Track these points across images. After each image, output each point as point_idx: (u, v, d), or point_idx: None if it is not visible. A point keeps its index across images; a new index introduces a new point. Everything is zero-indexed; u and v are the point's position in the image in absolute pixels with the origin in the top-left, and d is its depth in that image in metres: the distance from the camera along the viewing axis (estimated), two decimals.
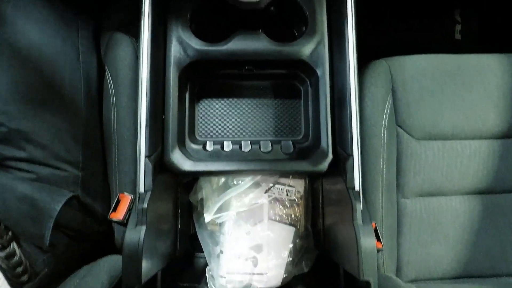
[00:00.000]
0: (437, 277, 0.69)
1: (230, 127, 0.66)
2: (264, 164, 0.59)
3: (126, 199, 0.61)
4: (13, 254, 0.47)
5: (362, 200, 0.53)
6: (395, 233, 0.69)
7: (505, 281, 0.69)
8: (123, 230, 0.63)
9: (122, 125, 0.63)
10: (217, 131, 0.66)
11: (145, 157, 0.53)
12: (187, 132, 0.62)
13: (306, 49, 0.59)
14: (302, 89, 0.67)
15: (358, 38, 0.57)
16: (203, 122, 0.65)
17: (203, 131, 0.65)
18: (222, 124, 0.66)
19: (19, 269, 0.47)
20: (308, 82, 0.64)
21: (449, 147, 0.69)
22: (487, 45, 1.07)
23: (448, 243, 0.69)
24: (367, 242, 0.48)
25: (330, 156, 0.58)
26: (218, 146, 0.62)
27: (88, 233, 0.59)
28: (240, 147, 0.62)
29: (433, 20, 1.09)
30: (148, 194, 0.51)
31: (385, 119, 0.65)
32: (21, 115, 0.52)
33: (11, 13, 0.54)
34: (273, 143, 0.63)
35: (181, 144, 0.60)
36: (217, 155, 0.62)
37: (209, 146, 0.62)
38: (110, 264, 0.58)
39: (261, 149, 0.62)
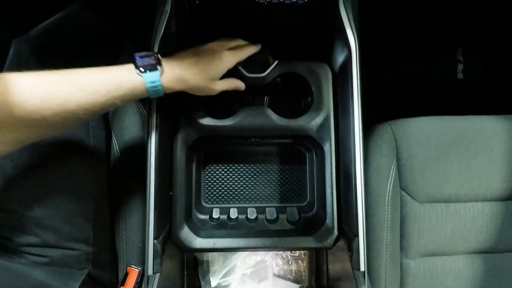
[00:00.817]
0: None
1: (236, 192, 0.67)
2: (270, 241, 0.59)
3: (134, 272, 0.61)
4: None
5: (367, 280, 0.54)
6: None
7: None
8: None
9: (129, 196, 0.64)
10: (223, 197, 0.67)
11: (154, 239, 0.53)
12: (193, 201, 0.63)
13: (312, 124, 0.60)
14: (307, 155, 0.67)
15: (364, 109, 0.57)
16: (210, 189, 0.66)
17: (209, 197, 0.66)
18: (228, 190, 0.67)
19: None
20: (314, 152, 0.64)
21: (452, 209, 0.70)
22: (490, 85, 1.08)
23: None
24: None
25: (336, 233, 0.59)
26: (225, 216, 0.63)
27: None
28: (246, 215, 0.63)
29: (435, 60, 1.10)
30: (157, 276, 0.51)
31: (390, 187, 0.66)
32: (31, 201, 0.53)
33: None
34: (278, 210, 0.64)
35: (188, 217, 0.61)
36: (224, 226, 0.62)
37: (215, 214, 0.63)
38: None
39: (267, 217, 0.63)
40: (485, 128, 0.70)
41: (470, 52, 1.11)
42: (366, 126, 0.60)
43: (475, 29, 1.09)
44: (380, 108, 0.79)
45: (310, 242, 0.59)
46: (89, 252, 0.58)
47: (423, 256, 0.70)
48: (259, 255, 0.73)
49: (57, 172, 0.55)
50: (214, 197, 0.66)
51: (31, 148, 0.54)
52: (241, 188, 0.67)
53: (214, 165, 0.67)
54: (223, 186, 0.67)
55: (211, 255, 0.72)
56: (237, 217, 0.63)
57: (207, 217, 0.63)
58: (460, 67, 1.10)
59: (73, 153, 0.57)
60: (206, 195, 0.66)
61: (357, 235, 0.54)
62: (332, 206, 0.59)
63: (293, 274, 0.77)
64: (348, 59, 0.56)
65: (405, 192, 0.69)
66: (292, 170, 0.68)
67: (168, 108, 0.58)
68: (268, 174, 0.68)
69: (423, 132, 0.69)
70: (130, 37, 0.88)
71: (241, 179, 0.67)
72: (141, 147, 0.65)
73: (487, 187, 0.69)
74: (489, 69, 1.10)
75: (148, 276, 0.52)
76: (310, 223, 0.62)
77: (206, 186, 0.66)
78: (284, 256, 0.76)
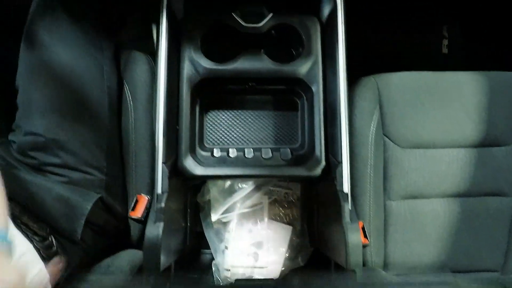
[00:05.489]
0: (419, 272, 0.77)
1: (235, 136, 0.74)
2: (265, 170, 0.67)
3: (143, 199, 0.69)
4: (51, 245, 0.55)
5: (350, 201, 0.61)
6: (382, 233, 0.76)
7: (480, 275, 0.77)
8: (139, 227, 0.71)
9: (139, 135, 0.71)
10: (223, 140, 0.74)
11: (162, 163, 0.61)
12: (197, 140, 0.70)
13: (302, 68, 0.67)
14: (299, 103, 0.75)
15: (348, 57, 0.65)
16: (211, 132, 0.74)
17: (211, 140, 0.73)
18: (228, 133, 0.74)
19: (56, 259, 0.55)
20: (304, 97, 0.72)
21: (430, 154, 0.77)
22: (473, 60, 1.15)
23: (429, 241, 0.76)
24: (354, 237, 0.56)
25: (323, 162, 0.66)
26: (225, 153, 0.70)
27: (109, 229, 0.67)
28: (244, 154, 0.70)
29: (421, 34, 1.17)
30: (165, 195, 0.59)
31: (373, 129, 0.73)
32: (56, 127, 0.60)
33: (46, 38, 0.62)
34: (273, 150, 0.71)
35: (192, 151, 0.68)
36: (224, 161, 0.70)
37: (216, 153, 0.70)
38: (130, 256, 0.66)
39: (263, 155, 0.70)
40: (458, 81, 0.78)
41: (454, 29, 1.18)
42: (351, 80, 0.67)
43: (458, 6, 1.16)
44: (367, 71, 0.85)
45: (300, 171, 0.66)
46: (103, 179, 0.66)
47: (404, 199, 0.77)
48: (255, 197, 0.80)
49: (77, 103, 0.63)
50: (215, 139, 0.74)
51: (53, 81, 0.61)
52: (240, 132, 0.74)
53: (216, 111, 0.74)
54: (223, 130, 0.74)
55: (212, 195, 0.79)
56: (236, 155, 0.70)
57: (208, 154, 0.70)
58: (445, 42, 1.18)
59: (91, 89, 0.65)
60: (208, 137, 0.73)
61: (341, 162, 0.62)
62: (320, 140, 0.66)
63: (287, 218, 0.85)
64: (334, 9, 0.64)
65: (387, 137, 0.76)
66: (286, 117, 0.75)
67: (174, 51, 0.66)
68: (264, 120, 0.75)
69: (403, 83, 0.77)
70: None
71: (240, 124, 0.75)
72: (151, 93, 0.73)
73: (460, 133, 0.76)
74: (472, 45, 1.17)
75: (157, 194, 0.60)
76: (301, 158, 0.70)
77: (209, 129, 0.74)
78: (278, 200, 0.83)
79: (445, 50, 1.17)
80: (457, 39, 1.18)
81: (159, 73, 0.62)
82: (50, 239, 0.55)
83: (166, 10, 0.64)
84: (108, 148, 0.67)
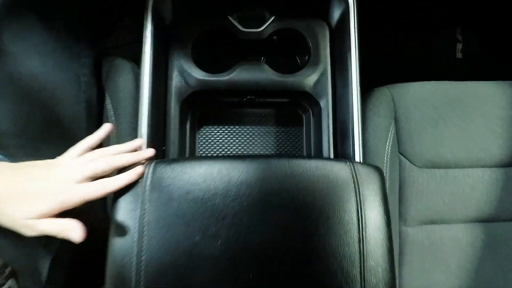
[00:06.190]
0: None
1: (230, 154, 0.66)
2: None
3: None
4: None
5: None
6: (397, 263, 0.68)
7: None
8: None
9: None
10: None
11: None
12: None
13: (309, 80, 0.59)
14: (304, 117, 0.66)
15: (361, 66, 0.57)
16: (204, 150, 0.65)
17: None
18: (224, 152, 0.66)
19: None
20: (311, 112, 0.63)
21: (451, 175, 0.69)
22: (489, 65, 1.07)
23: (450, 271, 0.69)
24: None
25: None
26: None
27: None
28: None
29: (434, 39, 1.09)
30: None
31: (388, 148, 0.65)
32: (20, 150, 0.52)
33: (11, 45, 0.54)
34: None
35: None
36: None
37: None
38: None
39: None
40: (481, 93, 0.69)
41: (469, 32, 1.10)
42: (363, 90, 0.59)
43: (473, 8, 1.08)
44: (380, 79, 0.78)
45: None
46: None
47: (422, 224, 0.69)
48: None
49: (48, 121, 0.54)
50: None
51: (20, 96, 0.52)
52: (237, 150, 0.66)
53: (210, 126, 0.66)
54: (218, 147, 0.66)
55: None
56: None
57: None
58: (459, 46, 1.10)
59: (65, 104, 0.56)
60: (201, 155, 0.65)
61: None
62: None
63: None
64: (346, 13, 0.56)
65: (403, 156, 0.68)
66: (289, 133, 0.67)
67: (162, 59, 0.57)
68: (264, 136, 0.66)
69: (420, 95, 0.68)
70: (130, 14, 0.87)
71: (237, 141, 0.66)
72: (136, 106, 0.64)
73: (486, 152, 0.68)
74: (487, 49, 1.09)
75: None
76: None
77: (201, 147, 0.65)
78: None
79: (459, 55, 1.09)
80: (472, 43, 1.09)
81: (143, 85, 0.54)
82: (9, 283, 0.46)
83: (152, 12, 0.55)
84: None
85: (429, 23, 1.08)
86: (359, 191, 0.43)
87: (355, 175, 0.43)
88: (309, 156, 0.55)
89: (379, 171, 0.46)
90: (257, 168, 0.42)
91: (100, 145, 0.64)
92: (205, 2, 0.61)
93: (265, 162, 0.43)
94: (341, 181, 0.42)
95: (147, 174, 0.42)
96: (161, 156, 0.57)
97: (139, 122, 0.53)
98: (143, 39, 0.55)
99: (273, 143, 0.66)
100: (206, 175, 0.41)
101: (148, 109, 0.53)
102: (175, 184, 0.41)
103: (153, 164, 0.43)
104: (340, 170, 0.43)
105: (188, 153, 0.62)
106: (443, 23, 1.09)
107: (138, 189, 0.41)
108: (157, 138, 0.56)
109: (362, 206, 0.42)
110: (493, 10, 1.07)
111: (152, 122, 0.54)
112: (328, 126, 0.59)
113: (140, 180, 0.42)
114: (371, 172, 0.45)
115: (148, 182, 0.41)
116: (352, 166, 0.44)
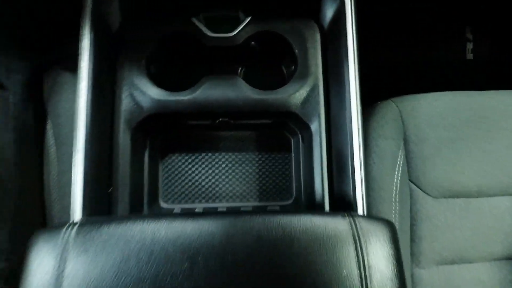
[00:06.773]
0: None
1: (203, 189, 0.54)
2: None
3: None
4: None
5: None
6: None
7: None
8: None
9: (66, 194, 0.50)
10: (186, 194, 0.53)
11: None
12: (146, 200, 0.49)
13: (295, 97, 0.47)
14: (292, 140, 0.54)
15: (361, 78, 0.44)
16: (169, 185, 0.53)
17: (169, 196, 0.53)
18: (194, 186, 0.54)
19: None
20: (300, 135, 0.51)
21: (473, 206, 0.58)
22: (500, 66, 0.95)
23: None
24: None
25: None
26: None
27: None
28: None
29: (443, 38, 0.97)
30: None
31: (397, 178, 0.53)
32: None
33: None
34: (257, 209, 0.51)
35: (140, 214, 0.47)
36: None
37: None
38: None
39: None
40: (506, 104, 0.57)
41: (480, 31, 0.99)
42: (365, 102, 0.47)
43: (483, 6, 0.97)
44: (382, 90, 0.66)
45: None
46: (4, 269, 0.44)
47: (438, 265, 0.61)
48: None
49: None
50: (176, 196, 0.53)
51: None
52: (210, 183, 0.54)
53: (175, 155, 0.54)
54: (186, 181, 0.53)
55: None
56: None
57: None
58: (470, 46, 0.98)
59: None
60: (165, 193, 0.53)
61: None
62: (323, 195, 0.46)
63: None
64: (341, 11, 0.43)
65: (415, 185, 0.56)
66: (274, 160, 0.54)
67: (107, 76, 0.44)
68: (244, 165, 0.54)
69: (434, 110, 0.56)
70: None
71: (210, 172, 0.54)
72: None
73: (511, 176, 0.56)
74: (498, 49, 0.97)
75: None
76: None
77: (166, 182, 0.53)
78: None
79: (469, 56, 0.97)
80: (483, 42, 0.97)
81: (78, 111, 0.41)
82: None
83: (92, 16, 0.42)
84: (14, 222, 0.45)
85: (435, 23, 0.97)
86: (363, 259, 0.31)
87: (357, 235, 0.31)
88: (293, 211, 0.42)
89: (389, 226, 0.34)
90: (221, 231, 0.30)
91: (40, 193, 0.52)
92: (163, 0, 0.48)
93: (232, 222, 0.31)
94: (339, 248, 0.30)
95: (66, 241, 0.30)
96: (105, 200, 0.44)
97: (73, 159, 0.40)
98: (80, 51, 0.42)
99: (255, 173, 0.54)
100: (148, 244, 0.29)
101: (85, 141, 0.41)
102: (104, 259, 0.29)
103: (75, 228, 0.31)
104: (335, 228, 0.32)
105: (147, 193, 0.49)
106: (450, 22, 0.98)
107: (53, 267, 0.29)
108: (100, 178, 0.43)
109: (366, 273, 0.30)
110: (502, 8, 0.96)
111: (93, 158, 0.41)
112: (321, 156, 0.46)
113: (56, 253, 0.29)
114: (379, 228, 0.33)
115: (67, 257, 0.29)
116: (352, 222, 0.33)
